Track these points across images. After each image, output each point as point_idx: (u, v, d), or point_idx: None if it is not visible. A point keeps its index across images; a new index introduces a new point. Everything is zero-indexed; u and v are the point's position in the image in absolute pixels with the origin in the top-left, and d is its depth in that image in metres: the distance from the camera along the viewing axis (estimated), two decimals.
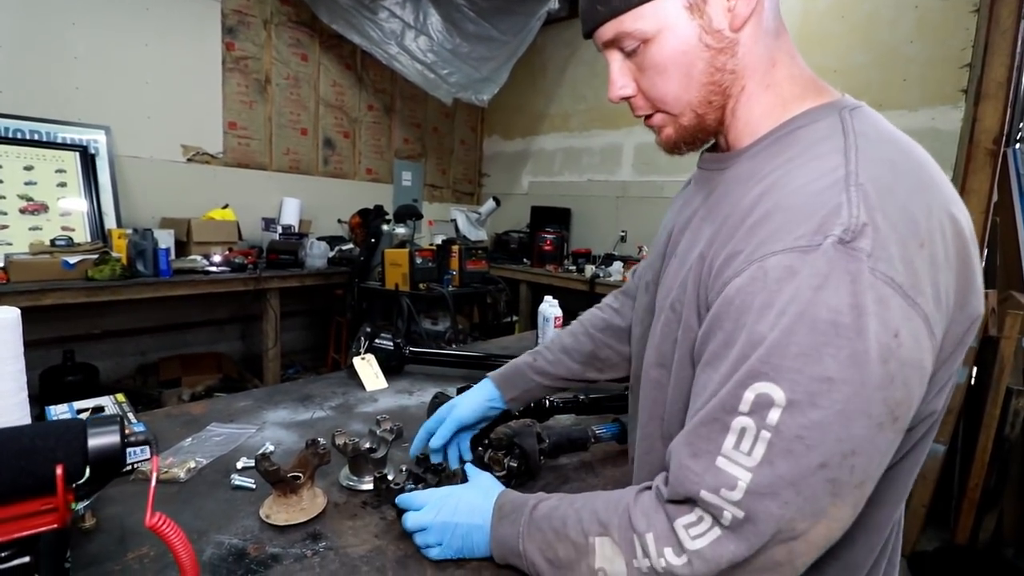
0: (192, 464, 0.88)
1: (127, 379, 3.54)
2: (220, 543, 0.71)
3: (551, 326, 1.67)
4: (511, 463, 0.86)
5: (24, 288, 2.48)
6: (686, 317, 0.60)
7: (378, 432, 0.89)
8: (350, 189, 4.43)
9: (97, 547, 0.69)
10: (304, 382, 1.35)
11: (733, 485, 0.48)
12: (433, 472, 0.81)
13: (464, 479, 0.76)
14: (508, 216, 5.12)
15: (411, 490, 0.75)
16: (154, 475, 0.52)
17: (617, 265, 3.93)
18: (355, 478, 0.85)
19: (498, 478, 0.87)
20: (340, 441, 0.83)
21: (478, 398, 0.90)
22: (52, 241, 2.83)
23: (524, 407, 0.96)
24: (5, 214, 2.84)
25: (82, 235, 3.07)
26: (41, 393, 2.87)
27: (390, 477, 0.78)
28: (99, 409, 0.97)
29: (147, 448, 0.87)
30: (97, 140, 3.22)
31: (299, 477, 0.78)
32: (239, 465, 0.90)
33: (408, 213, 3.50)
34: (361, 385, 1.32)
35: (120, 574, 0.65)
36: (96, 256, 2.77)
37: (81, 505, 0.72)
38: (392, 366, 1.40)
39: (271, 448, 0.96)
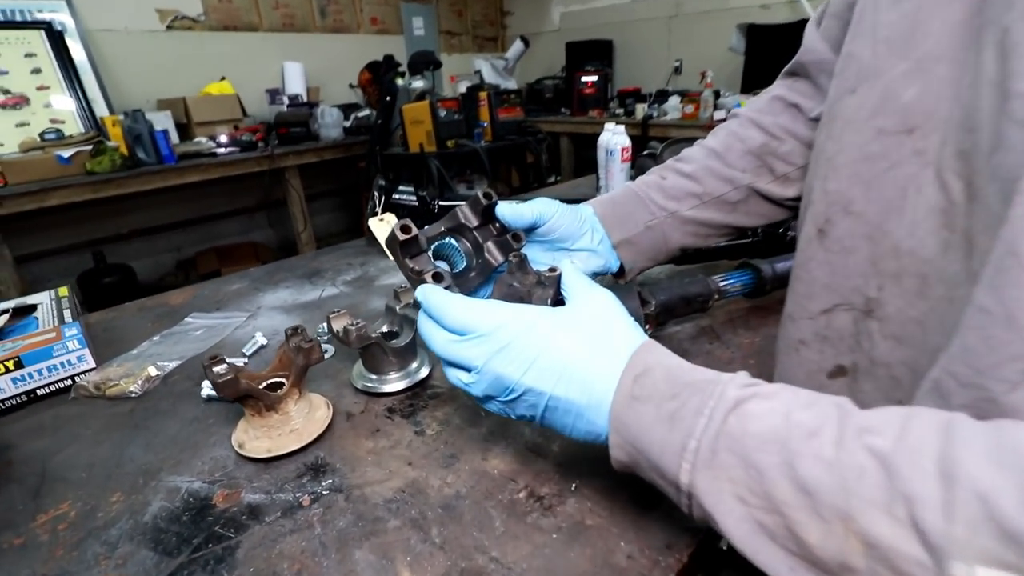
0: (151, 372, 0.63)
1: (168, 276, 3.47)
2: (174, 490, 0.46)
3: (617, 162, 1.29)
4: None
5: (25, 190, 2.27)
6: None
7: (398, 308, 0.60)
8: (356, 45, 3.86)
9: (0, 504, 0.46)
10: (313, 255, 1.06)
11: None
12: (499, 238, 0.46)
13: (557, 296, 0.40)
14: (538, 60, 4.45)
15: (448, 270, 0.44)
16: None
17: (673, 101, 3.34)
18: (373, 377, 0.57)
19: None
20: (338, 326, 0.54)
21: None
22: (41, 135, 2.56)
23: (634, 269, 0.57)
24: None
25: (73, 127, 2.77)
26: (83, 298, 2.81)
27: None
28: (29, 309, 0.72)
29: (86, 354, 0.63)
30: (58, 14, 2.77)
31: (281, 384, 0.50)
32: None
33: (424, 61, 2.98)
34: (382, 252, 1.02)
35: (18, 551, 0.41)
36: (91, 147, 2.50)
37: None
38: (418, 226, 1.08)
39: (262, 341, 0.70)
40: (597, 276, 0.55)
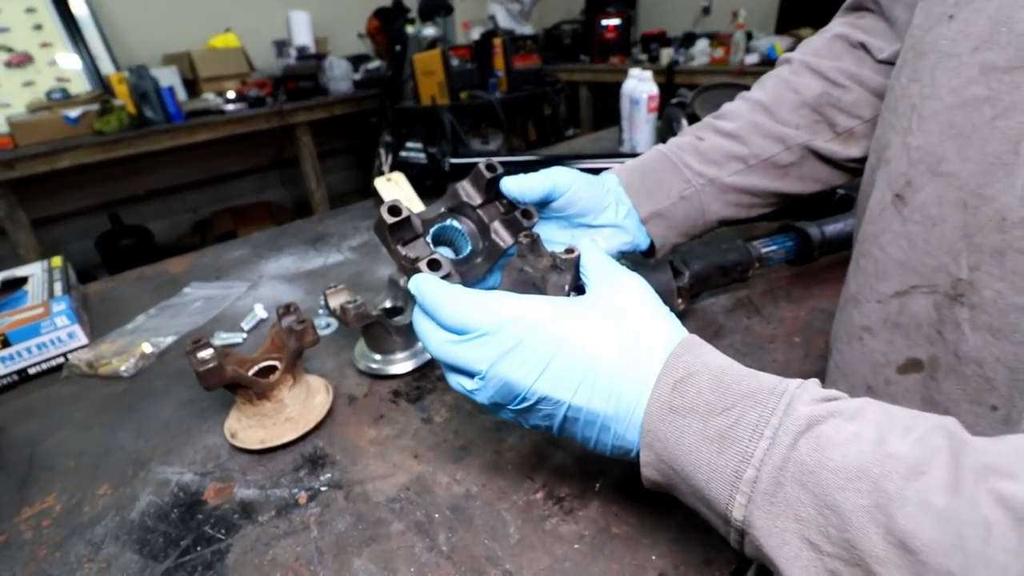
0: (145, 349, 0.59)
1: (186, 237, 3.48)
2: (164, 483, 0.43)
3: (643, 112, 1.19)
4: None
5: (35, 151, 2.24)
6: None
7: (402, 282, 0.54)
8: None
9: None
10: (318, 218, 1.01)
11: None
12: (507, 216, 0.39)
13: (576, 281, 0.34)
14: (556, 4, 4.19)
15: (450, 257, 0.38)
16: None
17: (701, 44, 3.12)
18: (377, 357, 0.53)
19: None
20: (336, 303, 0.49)
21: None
22: (48, 95, 2.51)
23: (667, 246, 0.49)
24: None
25: (80, 85, 2.71)
26: (102, 261, 2.82)
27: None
28: (20, 281, 0.69)
29: (77, 331, 0.59)
30: None
31: (274, 368, 0.46)
32: (216, 343, 0.61)
33: (435, 7, 2.82)
34: None
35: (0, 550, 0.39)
36: (98, 106, 2.44)
37: None
38: (429, 186, 1.02)
39: (262, 315, 0.66)
40: (624, 256, 0.48)
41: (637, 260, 0.52)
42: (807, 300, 0.60)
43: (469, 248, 0.39)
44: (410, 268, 0.34)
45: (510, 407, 0.30)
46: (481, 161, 0.38)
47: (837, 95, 0.46)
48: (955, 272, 0.30)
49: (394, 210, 0.33)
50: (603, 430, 0.28)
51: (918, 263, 0.32)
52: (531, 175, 0.40)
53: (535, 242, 0.35)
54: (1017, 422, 0.28)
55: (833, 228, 0.62)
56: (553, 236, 0.44)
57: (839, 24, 0.48)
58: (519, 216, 0.39)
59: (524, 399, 0.29)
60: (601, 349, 0.28)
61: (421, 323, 0.32)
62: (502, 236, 0.39)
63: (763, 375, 0.26)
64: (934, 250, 0.31)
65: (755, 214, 0.50)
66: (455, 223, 0.39)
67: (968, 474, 0.19)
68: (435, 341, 0.31)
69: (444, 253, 0.38)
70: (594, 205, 0.44)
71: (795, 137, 0.46)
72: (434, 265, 0.33)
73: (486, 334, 0.29)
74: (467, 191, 0.39)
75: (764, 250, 0.59)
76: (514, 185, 0.39)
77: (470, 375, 0.30)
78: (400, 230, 0.34)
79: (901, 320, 0.33)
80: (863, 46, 0.45)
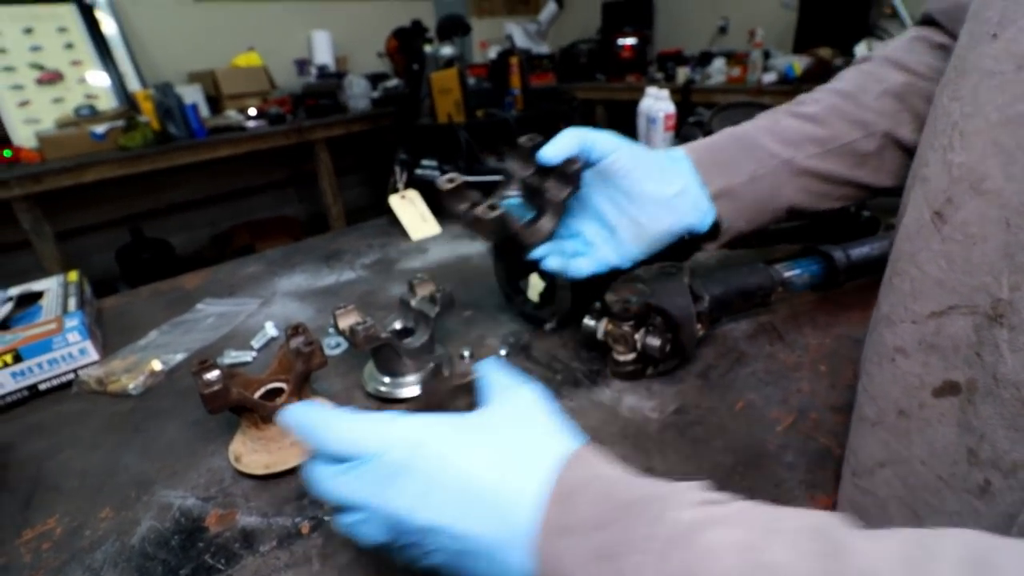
0: (155, 366, 0.59)
1: (204, 250, 3.53)
2: (166, 507, 0.42)
3: (660, 131, 1.18)
4: (649, 341, 0.48)
5: (62, 166, 2.30)
6: None
7: (413, 303, 0.53)
8: (383, 11, 3.75)
9: None
10: (332, 236, 1.01)
11: None
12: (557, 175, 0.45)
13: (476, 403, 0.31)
14: (573, 23, 4.24)
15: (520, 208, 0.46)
16: None
17: (718, 63, 3.12)
18: (386, 380, 0.52)
19: (623, 371, 0.50)
20: (345, 324, 0.48)
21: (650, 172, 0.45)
22: (76, 111, 2.59)
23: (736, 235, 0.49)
24: (22, 88, 2.58)
25: (107, 102, 2.79)
26: (121, 273, 2.87)
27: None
28: (36, 296, 0.69)
29: (88, 347, 0.59)
30: None
31: (280, 391, 0.45)
32: (226, 361, 0.60)
33: (453, 26, 2.85)
34: (405, 233, 0.96)
35: None
36: (123, 123, 2.51)
37: None
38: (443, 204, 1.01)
39: (272, 333, 0.65)
40: (682, 236, 0.47)
41: (655, 273, 0.51)
42: (833, 327, 0.57)
43: (530, 215, 0.46)
44: (476, 219, 0.42)
45: (399, 544, 0.26)
46: (524, 137, 0.44)
47: (921, 85, 0.45)
48: (995, 292, 0.28)
49: (451, 179, 0.42)
50: (491, 561, 0.24)
51: (957, 283, 0.30)
52: (559, 135, 0.43)
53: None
54: None
55: (859, 251, 0.60)
56: (601, 207, 0.46)
57: (917, 30, 0.48)
58: (566, 170, 0.43)
59: (407, 533, 0.25)
60: (482, 468, 0.25)
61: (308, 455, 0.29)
62: (554, 192, 0.44)
63: (651, 483, 0.24)
64: (975, 269, 0.29)
65: (824, 207, 0.49)
66: (512, 200, 0.46)
67: None
68: (317, 475, 0.27)
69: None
70: (654, 175, 0.43)
71: (877, 124, 0.45)
72: (494, 208, 0.40)
73: (371, 459, 0.26)
74: (513, 168, 0.45)
75: (787, 274, 0.57)
76: (547, 150, 0.43)
77: (356, 509, 0.27)
78: (455, 197, 0.44)
79: (938, 341, 0.32)
80: (944, 47, 0.44)
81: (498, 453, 0.26)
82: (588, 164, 0.44)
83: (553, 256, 0.47)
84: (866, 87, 0.46)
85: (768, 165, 0.45)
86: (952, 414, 0.31)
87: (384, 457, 0.26)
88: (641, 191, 0.43)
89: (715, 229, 0.48)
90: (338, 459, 0.27)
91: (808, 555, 0.19)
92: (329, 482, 0.27)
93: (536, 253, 0.47)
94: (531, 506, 0.24)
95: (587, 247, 0.48)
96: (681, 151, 0.46)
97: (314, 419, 0.28)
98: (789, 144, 0.46)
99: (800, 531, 0.20)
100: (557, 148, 0.42)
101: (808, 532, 0.20)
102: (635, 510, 0.22)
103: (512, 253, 0.51)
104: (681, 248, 0.51)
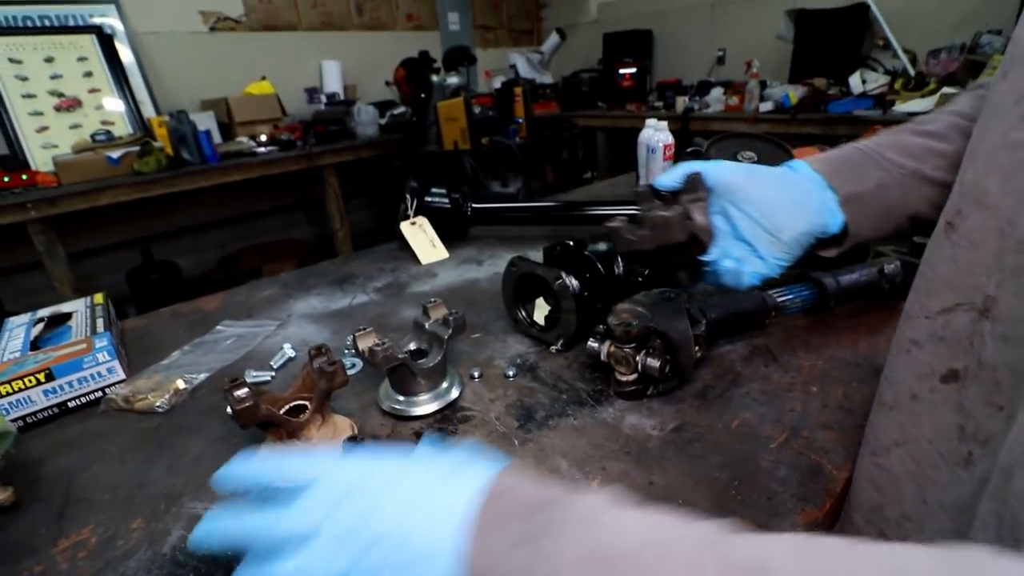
0: (179, 385, 0.62)
1: (213, 272, 3.58)
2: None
3: (659, 160, 1.23)
4: (649, 361, 0.51)
5: (77, 190, 2.36)
6: None
7: (427, 325, 0.56)
8: (392, 42, 3.87)
9: (22, 528, 0.45)
10: (344, 259, 1.05)
11: None
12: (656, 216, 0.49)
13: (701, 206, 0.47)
14: (575, 53, 4.35)
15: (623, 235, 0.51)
16: None
17: (716, 93, 3.20)
18: (401, 398, 0.54)
19: (625, 391, 0.53)
20: (364, 346, 0.51)
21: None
22: (92, 137, 2.67)
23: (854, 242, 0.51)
24: (41, 114, 2.67)
25: (122, 128, 2.87)
26: (131, 294, 2.91)
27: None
28: (64, 317, 0.72)
29: (116, 366, 0.62)
30: (108, 18, 2.88)
31: (304, 408, 0.48)
32: (248, 381, 0.63)
33: (459, 57, 2.95)
34: (415, 257, 1.00)
35: None
36: (138, 148, 2.58)
37: None
38: (452, 230, 1.05)
39: (290, 353, 0.68)
40: (817, 237, 0.49)
41: (655, 299, 0.54)
42: (824, 349, 0.60)
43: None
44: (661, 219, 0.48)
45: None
46: (634, 189, 0.53)
47: None
48: (986, 290, 0.33)
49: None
50: (430, 559, 0.25)
51: (962, 283, 0.35)
52: (670, 169, 0.51)
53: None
54: (1013, 417, 0.30)
55: (848, 278, 0.63)
56: (738, 226, 0.49)
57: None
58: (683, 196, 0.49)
59: (361, 545, 0.26)
60: (426, 484, 0.28)
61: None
62: (696, 216, 0.48)
63: (565, 486, 0.27)
64: (975, 271, 0.34)
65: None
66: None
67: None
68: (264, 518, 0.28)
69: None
70: (775, 182, 0.48)
71: None
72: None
73: (325, 478, 0.29)
74: (645, 207, 0.50)
75: (780, 299, 0.60)
76: (663, 179, 0.50)
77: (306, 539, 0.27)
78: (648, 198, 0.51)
79: (945, 334, 0.36)
80: None
81: (434, 473, 0.28)
82: (704, 183, 0.49)
83: (728, 259, 0.49)
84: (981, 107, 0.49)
85: (895, 175, 0.48)
86: (952, 398, 0.35)
87: (338, 475, 0.29)
88: (765, 198, 0.47)
89: (840, 234, 0.50)
90: (289, 494, 0.28)
91: (703, 528, 0.23)
92: (285, 515, 0.28)
93: (710, 255, 0.49)
94: (464, 509, 0.26)
95: (737, 263, 0.50)
96: (798, 160, 0.50)
97: (265, 458, 0.31)
98: (912, 157, 0.48)
99: (698, 520, 0.24)
100: (668, 177, 0.50)
101: (705, 522, 0.24)
102: (548, 504, 0.26)
103: (664, 260, 0.52)
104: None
